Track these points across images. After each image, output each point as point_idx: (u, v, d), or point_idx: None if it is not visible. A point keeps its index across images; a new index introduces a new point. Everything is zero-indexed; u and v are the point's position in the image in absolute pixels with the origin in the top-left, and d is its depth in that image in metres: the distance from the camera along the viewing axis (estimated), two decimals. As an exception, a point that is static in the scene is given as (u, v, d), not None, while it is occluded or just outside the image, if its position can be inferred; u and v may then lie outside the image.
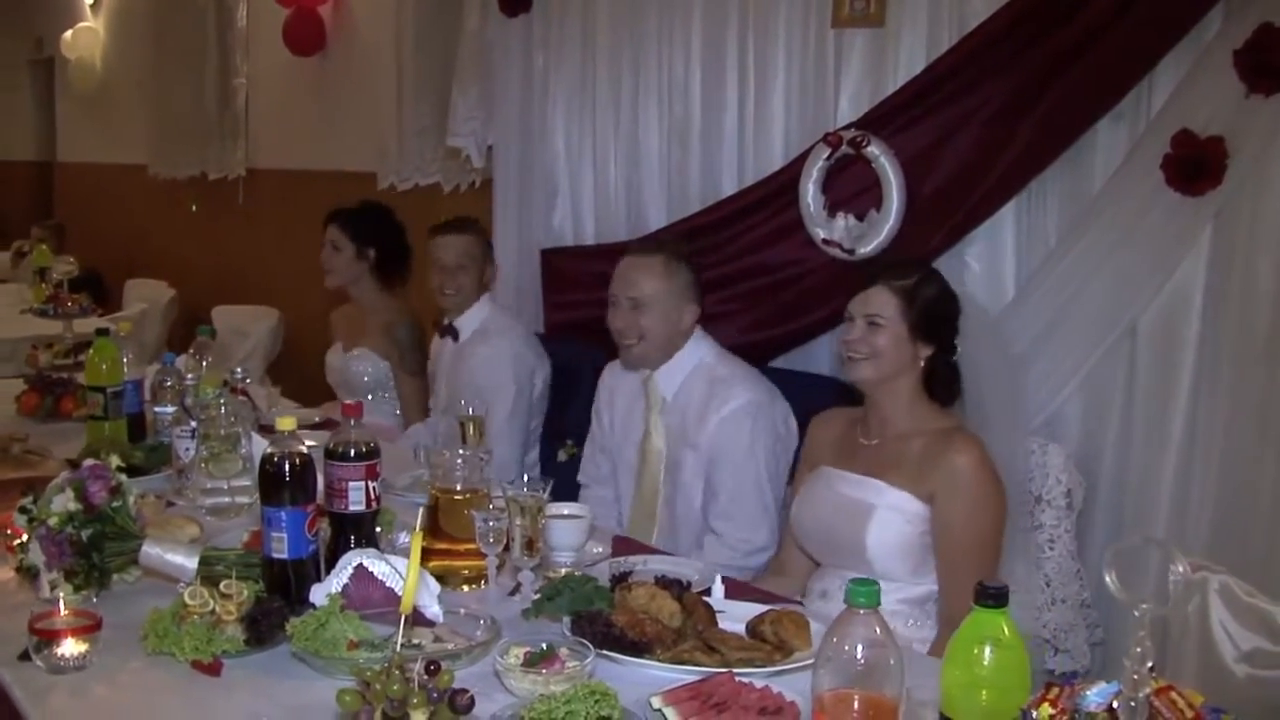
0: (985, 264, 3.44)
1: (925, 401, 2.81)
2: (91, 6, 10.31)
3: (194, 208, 8.64)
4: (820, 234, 3.61)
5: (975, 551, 2.66)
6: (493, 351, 3.97)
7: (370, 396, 4.44)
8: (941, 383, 2.82)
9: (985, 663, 1.59)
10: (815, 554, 2.92)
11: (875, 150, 3.45)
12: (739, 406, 3.22)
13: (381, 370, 4.49)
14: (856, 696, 1.63)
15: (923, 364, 2.79)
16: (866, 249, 3.49)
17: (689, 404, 3.29)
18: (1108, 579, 1.49)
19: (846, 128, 3.55)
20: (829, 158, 3.57)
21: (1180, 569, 1.44)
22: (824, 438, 2.99)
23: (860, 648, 1.62)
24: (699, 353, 3.34)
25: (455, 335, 4.10)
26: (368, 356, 4.50)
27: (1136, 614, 1.44)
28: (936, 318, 2.79)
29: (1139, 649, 1.41)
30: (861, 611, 1.63)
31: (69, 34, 10.23)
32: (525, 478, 2.46)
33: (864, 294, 2.80)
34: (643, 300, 3.28)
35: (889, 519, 2.71)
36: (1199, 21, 2.95)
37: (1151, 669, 1.42)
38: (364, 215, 4.62)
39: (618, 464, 3.50)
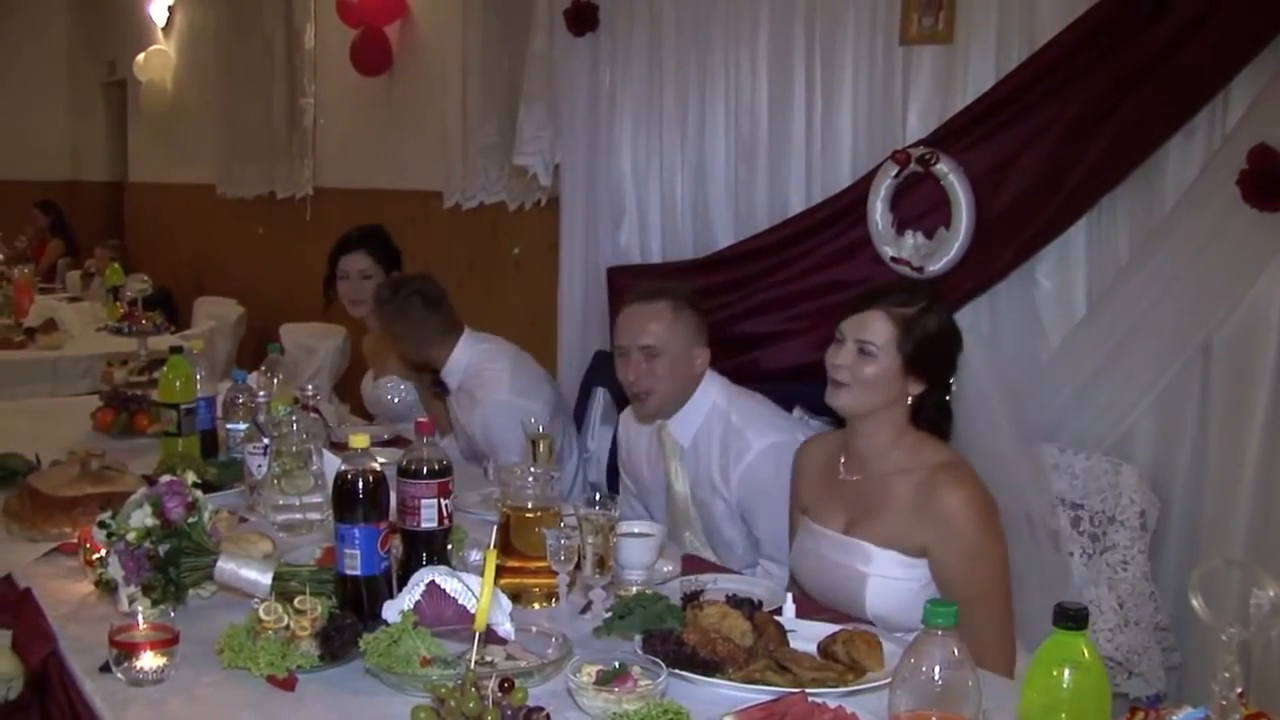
0: (1056, 282, 3.40)
1: (911, 434, 2.66)
2: (163, 30, 10.49)
3: (260, 230, 8.75)
4: (889, 252, 3.59)
5: (980, 597, 2.51)
6: (484, 414, 3.83)
7: (404, 422, 4.27)
8: (929, 421, 2.68)
9: (1064, 685, 1.58)
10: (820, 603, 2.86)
11: (944, 168, 3.43)
12: (757, 455, 3.13)
13: (411, 393, 4.42)
14: (934, 718, 1.62)
15: (910, 400, 2.65)
16: (935, 266, 3.47)
17: (709, 451, 3.20)
18: (1195, 603, 1.47)
19: (915, 145, 3.53)
20: (897, 175, 3.55)
21: (1270, 593, 1.42)
22: (807, 470, 2.87)
23: (938, 669, 1.61)
24: (710, 396, 3.23)
25: (444, 389, 4.03)
26: (395, 382, 4.43)
27: (1224, 638, 1.42)
28: (933, 353, 2.63)
29: (1227, 674, 1.40)
30: (939, 632, 1.62)
31: (141, 57, 10.42)
32: (597, 496, 2.46)
33: (859, 316, 2.63)
34: (656, 347, 3.15)
35: (882, 585, 2.59)
36: (1276, 35, 2.91)
37: (1241, 695, 1.40)
38: (381, 239, 4.56)
39: (654, 514, 3.41)
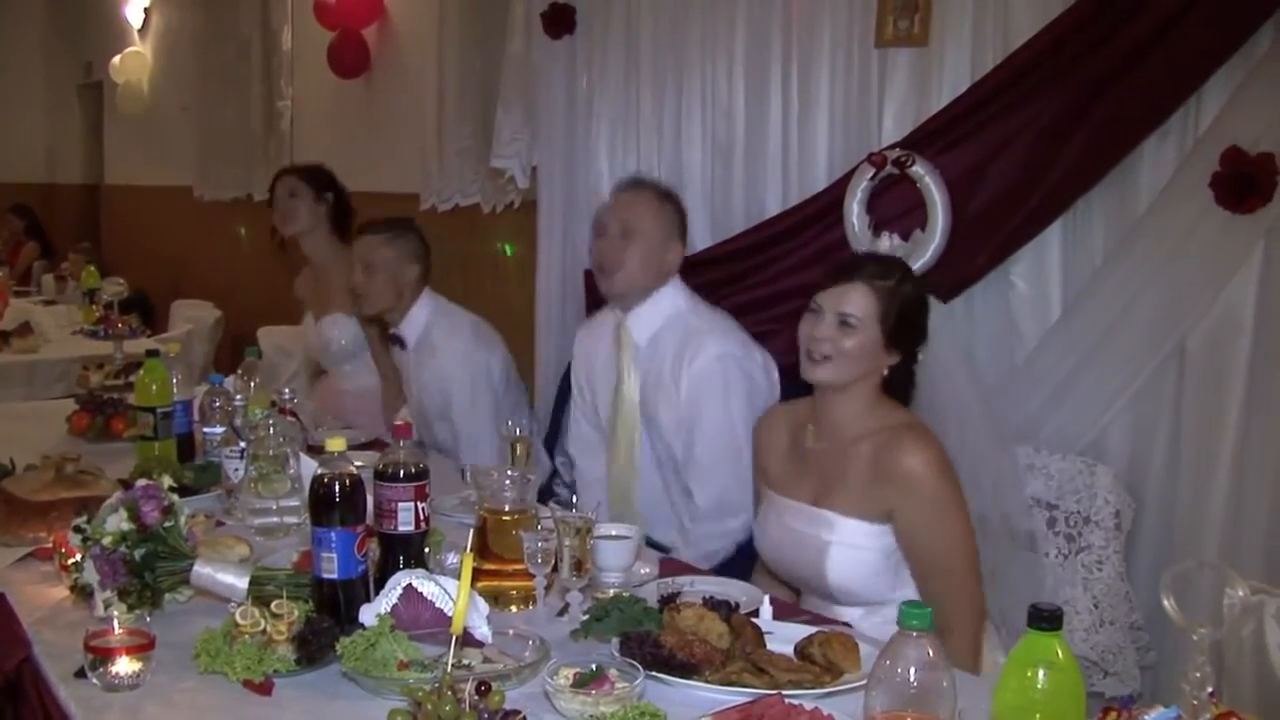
0: (1031, 283, 3.41)
1: (881, 401, 2.70)
2: (139, 31, 10.45)
3: (241, 230, 8.72)
4: (865, 254, 3.61)
5: (946, 556, 2.58)
6: (441, 361, 3.87)
7: (350, 363, 4.41)
8: (897, 388, 2.73)
9: (1039, 686, 1.59)
10: (784, 580, 2.88)
11: (920, 170, 3.45)
12: (710, 359, 3.19)
13: (356, 332, 4.43)
14: (909, 718, 1.62)
15: (886, 371, 2.69)
16: (912, 268, 3.47)
17: (664, 354, 3.27)
18: (1166, 604, 1.48)
19: (891, 147, 3.54)
20: (873, 178, 3.56)
21: (1240, 593, 1.43)
22: (770, 442, 2.90)
23: (913, 670, 1.62)
24: (674, 299, 3.32)
25: (403, 344, 4.02)
26: (340, 321, 4.44)
27: (1195, 638, 1.43)
28: (911, 324, 2.68)
29: (1198, 674, 1.41)
30: (914, 634, 1.63)
31: (117, 59, 10.37)
32: (574, 499, 2.46)
33: (838, 289, 2.64)
34: (633, 227, 3.26)
35: (845, 555, 2.63)
36: (1248, 38, 2.93)
37: (1212, 694, 1.41)
38: (317, 168, 4.68)
39: (598, 420, 3.46)
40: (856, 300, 2.63)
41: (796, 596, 2.89)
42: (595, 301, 4.53)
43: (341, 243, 4.58)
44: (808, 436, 2.78)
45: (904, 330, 2.66)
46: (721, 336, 3.25)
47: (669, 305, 3.31)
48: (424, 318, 3.96)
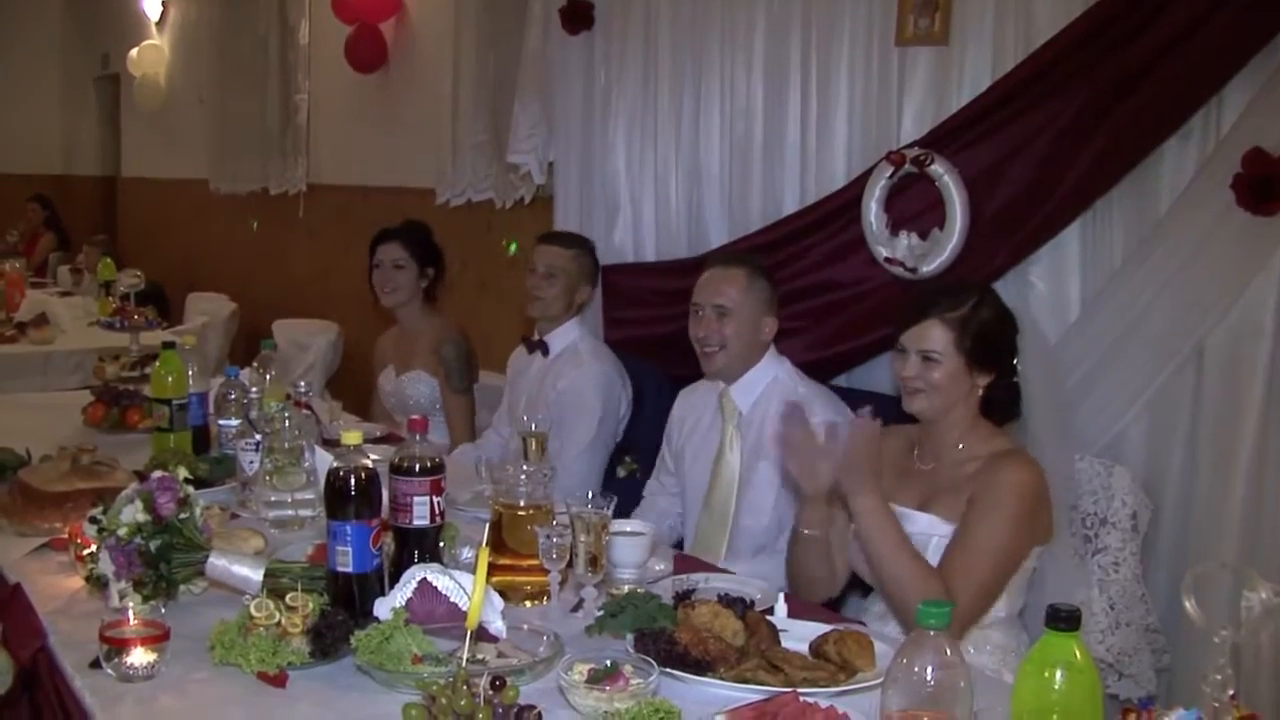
0: (1049, 283, 3.40)
1: (983, 424, 2.79)
2: (157, 24, 10.47)
3: (255, 224, 8.74)
4: (883, 252, 3.60)
5: (973, 551, 2.59)
6: (586, 375, 3.96)
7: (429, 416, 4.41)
8: (1000, 405, 2.80)
9: (1057, 687, 1.58)
10: (872, 581, 2.90)
11: (939, 169, 3.43)
12: (817, 425, 3.20)
13: (435, 391, 4.46)
14: (926, 718, 1.62)
15: (981, 391, 2.77)
16: (929, 267, 3.47)
17: (765, 418, 3.30)
18: (1188, 605, 1.47)
19: (910, 146, 3.53)
20: (892, 176, 3.55)
21: (1261, 595, 1.42)
22: (882, 459, 2.96)
23: (930, 669, 1.62)
24: (775, 369, 3.38)
25: (545, 350, 4.10)
26: (421, 378, 4.47)
27: (1216, 641, 1.42)
28: (992, 345, 2.75)
29: (1219, 676, 1.40)
30: (932, 633, 1.62)
31: (135, 51, 10.40)
32: (590, 494, 2.46)
33: (916, 328, 2.75)
34: (728, 308, 3.31)
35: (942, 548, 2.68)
36: (1271, 40, 2.91)
37: (1233, 696, 1.40)
38: (419, 233, 4.60)
39: (686, 483, 3.51)
40: (933, 337, 2.73)
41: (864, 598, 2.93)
42: (611, 298, 4.54)
43: (430, 309, 4.61)
44: (914, 459, 2.87)
45: (984, 351, 2.74)
46: (825, 404, 3.31)
47: (769, 375, 3.38)
48: (575, 333, 4.11)
